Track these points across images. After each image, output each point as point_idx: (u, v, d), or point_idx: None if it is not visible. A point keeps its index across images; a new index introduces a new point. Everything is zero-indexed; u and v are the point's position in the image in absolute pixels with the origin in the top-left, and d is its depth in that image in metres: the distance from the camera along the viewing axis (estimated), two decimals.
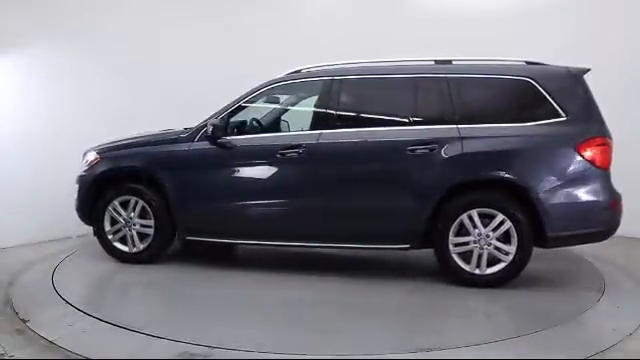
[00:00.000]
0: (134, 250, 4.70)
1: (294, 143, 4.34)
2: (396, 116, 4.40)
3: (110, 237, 4.74)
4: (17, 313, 3.55)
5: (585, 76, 4.15)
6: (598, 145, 3.94)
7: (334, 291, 4.05)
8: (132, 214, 4.66)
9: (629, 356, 3.02)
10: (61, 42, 5.74)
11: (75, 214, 4.91)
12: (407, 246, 4.22)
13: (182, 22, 6.69)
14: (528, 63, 4.28)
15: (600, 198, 3.97)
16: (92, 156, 4.88)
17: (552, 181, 3.97)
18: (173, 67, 6.48)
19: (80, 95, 5.90)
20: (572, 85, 4.11)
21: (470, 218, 4.03)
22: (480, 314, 3.63)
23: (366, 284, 4.22)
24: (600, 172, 3.95)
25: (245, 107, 4.66)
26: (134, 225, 4.67)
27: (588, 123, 4.01)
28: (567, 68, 4.17)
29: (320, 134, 4.32)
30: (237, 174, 4.51)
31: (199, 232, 4.63)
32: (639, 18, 5.81)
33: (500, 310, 3.70)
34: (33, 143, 5.50)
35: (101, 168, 4.77)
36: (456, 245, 4.08)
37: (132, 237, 4.69)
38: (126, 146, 4.89)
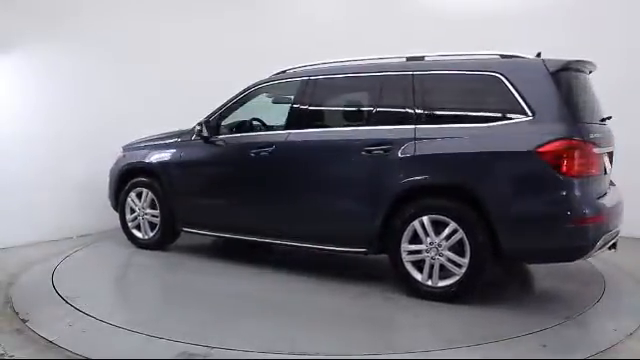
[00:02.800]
0: (146, 237, 5.28)
1: (266, 142, 4.48)
2: (359, 116, 4.40)
3: (130, 224, 5.35)
4: (17, 313, 3.55)
5: (573, 71, 3.79)
6: (564, 149, 3.44)
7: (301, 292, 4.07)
8: (144, 205, 5.22)
9: (629, 356, 3.02)
10: (61, 42, 5.72)
11: (76, 214, 5.59)
12: (364, 250, 4.07)
13: (183, 21, 6.68)
14: (502, 56, 3.93)
15: (564, 210, 3.45)
16: (120, 152, 5.54)
17: (508, 188, 3.60)
18: (173, 67, 6.48)
19: (80, 95, 5.89)
20: (544, 80, 3.63)
21: (423, 225, 3.77)
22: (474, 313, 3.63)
23: (316, 284, 4.20)
24: (567, 180, 3.43)
25: (235, 108, 4.88)
26: (145, 214, 5.23)
27: (555, 123, 3.52)
28: (543, 60, 3.73)
29: (289, 134, 4.42)
30: (219, 171, 4.88)
31: (191, 224, 5.01)
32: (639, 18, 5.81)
33: (500, 310, 3.69)
34: (33, 143, 5.50)
35: (123, 163, 5.42)
36: (409, 253, 3.84)
37: (144, 225, 5.25)
38: (141, 144, 5.44)
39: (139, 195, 5.26)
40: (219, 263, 4.90)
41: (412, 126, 3.88)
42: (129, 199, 5.33)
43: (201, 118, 4.93)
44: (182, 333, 3.17)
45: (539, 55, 3.87)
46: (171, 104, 6.38)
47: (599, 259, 4.80)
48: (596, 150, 3.60)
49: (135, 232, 5.35)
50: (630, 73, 5.71)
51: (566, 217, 3.44)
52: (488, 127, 3.68)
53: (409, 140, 3.85)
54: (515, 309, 3.71)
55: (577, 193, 3.45)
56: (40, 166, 5.55)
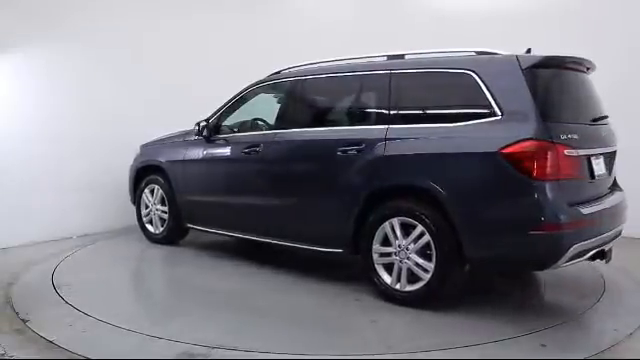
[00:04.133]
0: (157, 232, 5.51)
1: (256, 142, 4.56)
2: (338, 116, 4.39)
3: (144, 219, 5.61)
4: (17, 313, 3.55)
5: (552, 67, 3.58)
6: (527, 150, 3.23)
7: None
8: (155, 201, 5.45)
9: (629, 356, 3.02)
10: (61, 42, 5.72)
11: (76, 214, 5.71)
12: (340, 251, 4.04)
13: (182, 20, 6.67)
14: (478, 53, 3.78)
15: (527, 216, 3.24)
16: (138, 150, 5.76)
17: (471, 192, 3.44)
18: (173, 66, 6.47)
19: (80, 95, 5.89)
20: (516, 77, 3.41)
21: (393, 227, 3.69)
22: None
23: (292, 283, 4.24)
24: (531, 184, 3.22)
25: (235, 107, 4.97)
26: (156, 210, 5.46)
27: (522, 123, 3.31)
28: (517, 57, 3.52)
29: (275, 134, 4.48)
30: (216, 170, 4.99)
31: (194, 221, 5.18)
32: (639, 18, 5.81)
33: (499, 310, 3.69)
34: (33, 143, 5.50)
35: (139, 161, 5.69)
36: (381, 255, 3.77)
37: (156, 221, 5.48)
38: (155, 142, 5.65)
39: (152, 191, 5.49)
40: (223, 261, 4.95)
41: (384, 126, 3.83)
42: (144, 195, 5.57)
43: (200, 117, 5.03)
44: (183, 333, 3.17)
45: (529, 51, 3.73)
46: (171, 104, 6.37)
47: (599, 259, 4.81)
48: (570, 152, 3.33)
49: (148, 227, 5.58)
50: (631, 73, 5.70)
51: (530, 223, 3.23)
52: (455, 127, 3.54)
53: (381, 140, 3.79)
54: (514, 309, 3.71)
55: (542, 197, 3.21)
56: (40, 166, 5.55)
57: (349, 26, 6.98)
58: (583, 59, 3.77)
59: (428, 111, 3.87)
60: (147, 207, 5.56)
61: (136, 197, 5.66)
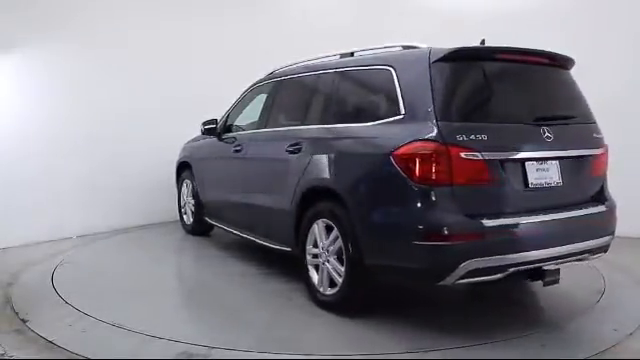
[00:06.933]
0: (188, 223, 6.02)
1: (240, 142, 4.79)
2: (293, 115, 4.42)
3: (182, 211, 6.13)
4: (17, 313, 3.55)
5: (469, 60, 3.24)
6: (417, 152, 2.97)
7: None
8: (188, 193, 5.90)
9: (629, 356, 3.02)
10: (60, 43, 5.73)
11: (76, 214, 5.82)
12: (289, 249, 4.01)
13: (182, 20, 6.67)
14: (404, 47, 3.58)
15: (414, 225, 2.96)
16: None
17: (368, 196, 3.28)
18: (174, 66, 6.48)
19: (80, 95, 5.88)
20: (423, 73, 3.14)
21: (319, 228, 3.61)
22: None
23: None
24: (421, 190, 2.94)
25: (240, 106, 5.20)
26: (189, 203, 5.90)
27: (418, 123, 3.07)
28: (430, 50, 3.25)
29: (254, 133, 4.71)
30: (217, 167, 5.29)
31: (210, 216, 5.52)
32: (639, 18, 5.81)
33: (499, 310, 3.69)
34: (33, 143, 5.50)
35: (178, 158, 6.11)
36: (313, 256, 3.68)
37: (188, 212, 5.99)
38: (189, 141, 5.99)
39: (187, 185, 5.99)
40: (233, 260, 4.98)
41: (316, 126, 3.87)
42: (182, 188, 6.06)
43: (204, 117, 5.28)
44: (183, 333, 3.17)
45: (483, 43, 3.47)
46: (171, 104, 6.38)
47: (599, 259, 4.79)
48: (469, 154, 2.94)
49: (184, 217, 6.11)
50: (631, 73, 5.70)
51: (414, 232, 2.95)
52: (365, 127, 3.41)
53: (311, 140, 3.80)
54: (514, 309, 3.70)
55: (427, 205, 2.93)
56: (40, 166, 5.55)
57: (350, 26, 6.97)
58: (530, 50, 3.38)
59: (353, 110, 3.78)
60: (183, 200, 6.07)
61: (178, 191, 6.18)
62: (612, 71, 5.60)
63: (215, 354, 2.95)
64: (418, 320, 3.44)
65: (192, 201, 5.83)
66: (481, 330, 3.29)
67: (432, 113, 3.01)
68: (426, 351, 3.00)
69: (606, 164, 3.60)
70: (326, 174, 3.59)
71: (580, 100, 3.57)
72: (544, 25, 5.96)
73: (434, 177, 2.92)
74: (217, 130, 5.19)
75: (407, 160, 3.00)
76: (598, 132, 3.56)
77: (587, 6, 5.96)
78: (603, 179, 3.59)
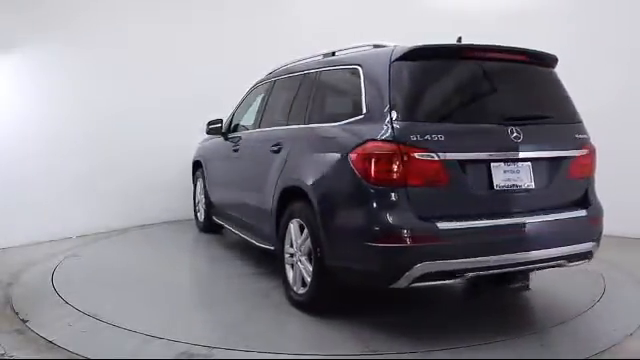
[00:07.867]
0: (200, 220, 6.16)
1: (238, 141, 4.89)
2: (281, 115, 4.41)
3: (196, 209, 6.26)
4: (17, 313, 3.55)
5: (429, 59, 3.14)
6: (370, 153, 2.95)
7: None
8: (200, 192, 6.03)
9: (629, 356, 3.02)
10: (60, 43, 5.73)
11: (76, 214, 5.81)
12: (272, 248, 3.99)
13: (182, 21, 6.68)
14: (375, 46, 3.53)
15: (365, 226, 2.93)
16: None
17: (329, 196, 3.25)
18: (174, 66, 6.48)
19: (80, 95, 5.89)
20: (383, 71, 3.10)
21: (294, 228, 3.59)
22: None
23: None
24: (372, 190, 2.91)
25: (244, 106, 5.26)
26: (201, 201, 6.04)
27: (373, 123, 3.03)
28: (394, 48, 3.20)
29: (250, 133, 4.78)
30: (220, 166, 5.42)
31: (216, 214, 5.63)
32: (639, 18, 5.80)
33: (498, 311, 3.69)
34: (33, 143, 5.50)
35: (193, 156, 6.22)
36: (289, 255, 3.67)
37: (200, 210, 6.12)
38: (203, 141, 6.04)
39: (200, 184, 6.10)
40: (235, 261, 4.96)
41: (295, 126, 3.89)
42: (196, 187, 6.22)
43: (207, 118, 5.40)
44: (183, 333, 3.18)
45: (459, 40, 3.39)
46: (171, 104, 6.38)
47: (599, 259, 4.78)
48: (424, 155, 2.87)
49: (198, 215, 6.24)
50: (631, 73, 5.70)
51: (365, 233, 2.92)
52: (332, 127, 3.40)
53: (289, 140, 3.84)
54: (513, 309, 3.70)
55: (377, 205, 2.89)
56: (40, 166, 5.56)
57: (350, 26, 6.97)
58: (500, 47, 3.25)
59: (326, 110, 3.80)
60: (197, 198, 6.20)
61: (193, 188, 6.33)
62: (612, 71, 5.59)
63: (216, 354, 2.94)
64: (415, 321, 3.44)
65: (203, 199, 5.93)
66: (481, 330, 3.29)
67: (387, 113, 2.97)
68: (427, 351, 3.00)
69: (591, 166, 3.39)
70: (298, 174, 3.60)
71: (561, 99, 3.39)
72: (544, 26, 5.96)
73: (387, 178, 2.88)
74: (222, 130, 5.26)
75: (361, 161, 2.97)
76: (582, 132, 3.38)
77: (587, 6, 5.95)
78: (587, 182, 3.38)
